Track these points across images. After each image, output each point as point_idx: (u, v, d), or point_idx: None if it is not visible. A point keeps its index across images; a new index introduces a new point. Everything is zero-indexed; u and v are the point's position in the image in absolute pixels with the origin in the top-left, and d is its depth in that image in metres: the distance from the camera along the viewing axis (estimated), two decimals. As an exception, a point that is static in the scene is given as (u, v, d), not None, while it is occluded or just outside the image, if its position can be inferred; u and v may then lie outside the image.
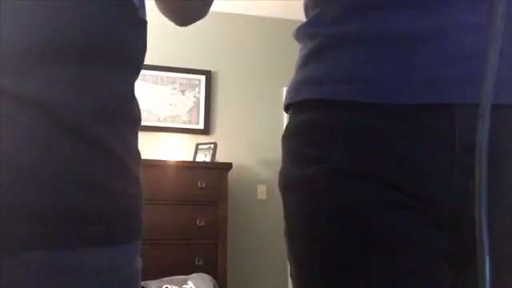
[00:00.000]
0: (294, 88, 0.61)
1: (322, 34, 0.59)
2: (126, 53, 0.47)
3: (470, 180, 0.51)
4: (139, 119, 0.51)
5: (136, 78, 0.50)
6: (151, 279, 2.23)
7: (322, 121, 0.56)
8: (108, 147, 0.43)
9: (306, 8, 0.65)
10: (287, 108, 0.63)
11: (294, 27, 0.65)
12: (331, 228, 0.53)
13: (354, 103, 0.54)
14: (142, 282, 2.14)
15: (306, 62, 0.61)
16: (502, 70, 0.52)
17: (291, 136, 0.60)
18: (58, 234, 0.39)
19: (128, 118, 0.48)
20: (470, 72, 0.51)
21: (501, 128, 0.52)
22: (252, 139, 3.27)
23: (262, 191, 3.22)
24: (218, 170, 2.78)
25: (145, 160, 3.01)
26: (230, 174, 2.88)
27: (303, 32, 0.63)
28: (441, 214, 0.52)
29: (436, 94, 0.51)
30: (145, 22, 0.50)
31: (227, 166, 2.82)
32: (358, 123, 0.54)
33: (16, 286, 0.37)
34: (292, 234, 0.58)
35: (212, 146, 3.01)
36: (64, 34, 0.40)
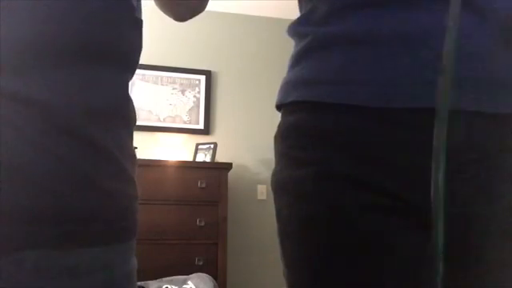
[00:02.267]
0: (284, 88, 0.61)
1: (311, 33, 0.58)
2: (123, 53, 0.47)
3: (455, 180, 0.51)
4: (134, 119, 0.51)
5: (131, 78, 0.50)
6: (151, 279, 2.23)
7: (309, 123, 0.56)
8: (102, 147, 0.43)
9: (300, 3, 0.64)
10: (279, 108, 0.63)
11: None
12: (318, 231, 0.53)
13: (339, 106, 0.53)
14: (142, 282, 2.13)
15: (295, 61, 0.60)
16: (492, 69, 0.51)
17: (281, 137, 0.60)
18: (52, 233, 0.39)
19: (123, 118, 0.48)
20: (458, 74, 0.51)
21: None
22: (252, 139, 3.27)
23: (262, 191, 3.22)
24: (218, 170, 2.78)
25: (145, 160, 3.01)
26: (230, 174, 2.88)
27: (294, 31, 0.62)
28: (427, 214, 0.52)
29: (422, 98, 0.50)
30: (141, 22, 0.50)
31: (227, 166, 2.82)
32: (343, 126, 0.53)
33: (11, 285, 0.37)
34: (283, 235, 0.58)
35: (212, 146, 3.00)
36: (61, 34, 0.40)
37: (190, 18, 0.64)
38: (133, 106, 0.50)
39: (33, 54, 0.39)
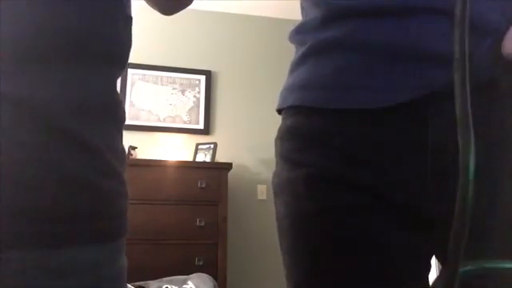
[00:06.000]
0: (283, 94, 0.63)
1: (310, 39, 0.60)
2: (112, 50, 0.47)
3: (442, 180, 0.51)
4: (123, 117, 0.50)
5: (119, 76, 0.49)
6: (151, 279, 2.23)
7: (304, 127, 0.59)
8: (91, 145, 0.43)
9: (302, 11, 0.66)
10: (279, 112, 0.65)
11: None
12: (309, 230, 0.56)
13: (330, 110, 0.56)
14: (142, 282, 2.13)
15: (294, 67, 0.63)
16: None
17: (280, 140, 0.63)
18: (39, 233, 0.39)
19: (111, 116, 0.48)
20: (444, 78, 0.51)
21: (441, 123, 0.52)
22: (252, 139, 3.27)
23: (262, 191, 3.22)
24: (218, 170, 2.78)
25: (145, 160, 3.01)
26: (230, 174, 2.88)
27: (293, 38, 0.65)
28: (415, 214, 0.53)
29: (410, 92, 0.52)
30: (131, 19, 0.50)
31: (227, 166, 2.82)
32: (333, 129, 0.56)
33: None
34: (280, 234, 0.61)
35: (212, 146, 3.01)
36: (49, 32, 0.40)
37: (176, 12, 0.63)
38: (121, 103, 0.50)
39: (20, 53, 0.39)
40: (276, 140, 0.64)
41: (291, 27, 0.66)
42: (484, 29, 0.51)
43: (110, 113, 0.47)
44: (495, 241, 0.47)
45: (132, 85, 3.15)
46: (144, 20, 2.99)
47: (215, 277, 2.49)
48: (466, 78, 0.22)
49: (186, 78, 3.29)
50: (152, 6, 0.61)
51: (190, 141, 3.17)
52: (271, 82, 3.30)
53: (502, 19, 0.51)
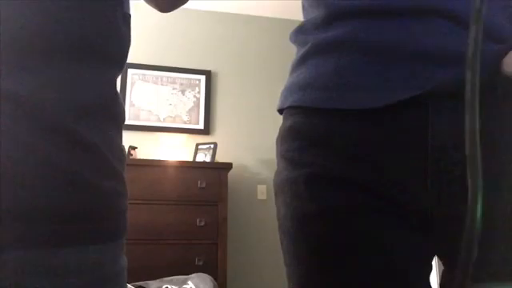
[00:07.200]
0: (284, 94, 0.64)
1: (310, 39, 0.60)
2: (111, 49, 0.46)
3: (442, 180, 0.52)
4: (123, 117, 0.50)
5: (119, 74, 0.49)
6: (151, 279, 2.23)
7: (303, 127, 0.59)
8: (90, 144, 0.43)
9: (303, 9, 0.67)
10: (280, 112, 0.65)
11: (294, 28, 0.66)
12: (310, 230, 0.56)
13: (329, 110, 0.56)
14: (142, 282, 2.13)
15: (295, 68, 0.63)
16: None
17: (280, 140, 0.63)
18: (39, 233, 0.39)
19: (111, 115, 0.47)
20: (443, 78, 0.52)
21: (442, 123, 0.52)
22: (252, 139, 3.27)
23: (262, 191, 3.22)
24: (218, 170, 2.78)
25: (145, 160, 3.00)
26: (230, 174, 2.88)
27: (295, 38, 0.65)
28: (415, 214, 0.53)
29: (410, 89, 0.52)
30: (129, 17, 0.50)
31: (227, 166, 2.82)
32: (334, 130, 0.56)
33: None
34: (281, 233, 0.61)
35: (212, 146, 3.01)
36: (49, 31, 0.40)
37: (173, 9, 0.63)
38: (121, 102, 0.50)
39: (20, 53, 0.39)
40: (277, 140, 0.64)
41: (291, 27, 0.66)
42: (496, 36, 0.51)
43: (110, 112, 0.47)
44: (494, 261, 0.47)
45: (132, 85, 3.15)
46: (144, 20, 2.99)
47: (215, 277, 2.49)
48: (477, 82, 0.21)
49: (186, 78, 3.29)
50: (149, 4, 0.61)
51: (190, 141, 3.17)
52: (271, 82, 3.30)
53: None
